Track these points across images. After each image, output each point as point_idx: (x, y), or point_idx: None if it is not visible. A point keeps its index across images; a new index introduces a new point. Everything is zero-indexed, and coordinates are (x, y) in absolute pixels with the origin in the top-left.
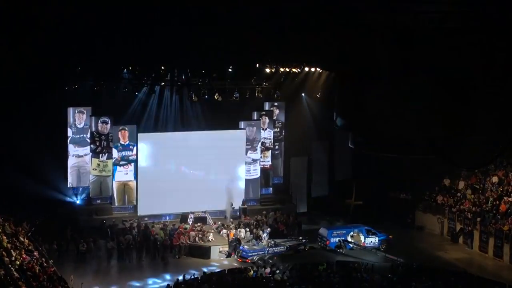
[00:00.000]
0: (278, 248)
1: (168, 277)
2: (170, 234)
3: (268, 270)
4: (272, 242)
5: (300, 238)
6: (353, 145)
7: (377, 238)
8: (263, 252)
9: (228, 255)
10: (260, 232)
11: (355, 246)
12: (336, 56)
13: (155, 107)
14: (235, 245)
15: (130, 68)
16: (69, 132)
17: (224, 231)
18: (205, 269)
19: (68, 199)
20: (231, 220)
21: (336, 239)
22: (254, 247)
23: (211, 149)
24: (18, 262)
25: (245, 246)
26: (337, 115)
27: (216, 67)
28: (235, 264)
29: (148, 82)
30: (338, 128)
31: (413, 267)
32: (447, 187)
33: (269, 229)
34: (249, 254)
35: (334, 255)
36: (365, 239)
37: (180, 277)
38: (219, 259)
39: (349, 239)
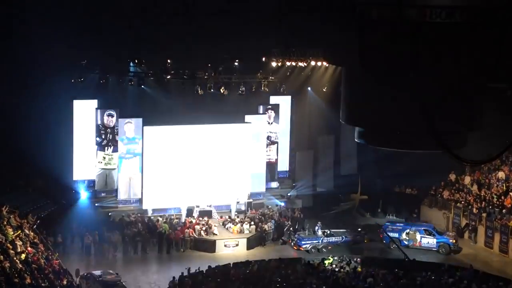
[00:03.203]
0: (333, 238)
1: (173, 270)
2: (176, 227)
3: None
4: (328, 232)
5: (359, 229)
6: (359, 140)
7: (435, 240)
8: (317, 241)
9: (283, 242)
10: (265, 226)
11: (401, 245)
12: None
13: (161, 101)
14: (289, 233)
15: (136, 61)
16: (75, 125)
17: (230, 224)
18: (210, 263)
19: (74, 191)
20: (236, 214)
21: (388, 234)
22: (309, 235)
23: (216, 142)
24: (23, 255)
25: (301, 235)
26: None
27: (223, 61)
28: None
29: (154, 76)
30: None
31: (418, 262)
32: (453, 182)
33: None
34: (303, 242)
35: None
36: (421, 238)
37: (185, 271)
38: (224, 253)
39: (404, 236)
